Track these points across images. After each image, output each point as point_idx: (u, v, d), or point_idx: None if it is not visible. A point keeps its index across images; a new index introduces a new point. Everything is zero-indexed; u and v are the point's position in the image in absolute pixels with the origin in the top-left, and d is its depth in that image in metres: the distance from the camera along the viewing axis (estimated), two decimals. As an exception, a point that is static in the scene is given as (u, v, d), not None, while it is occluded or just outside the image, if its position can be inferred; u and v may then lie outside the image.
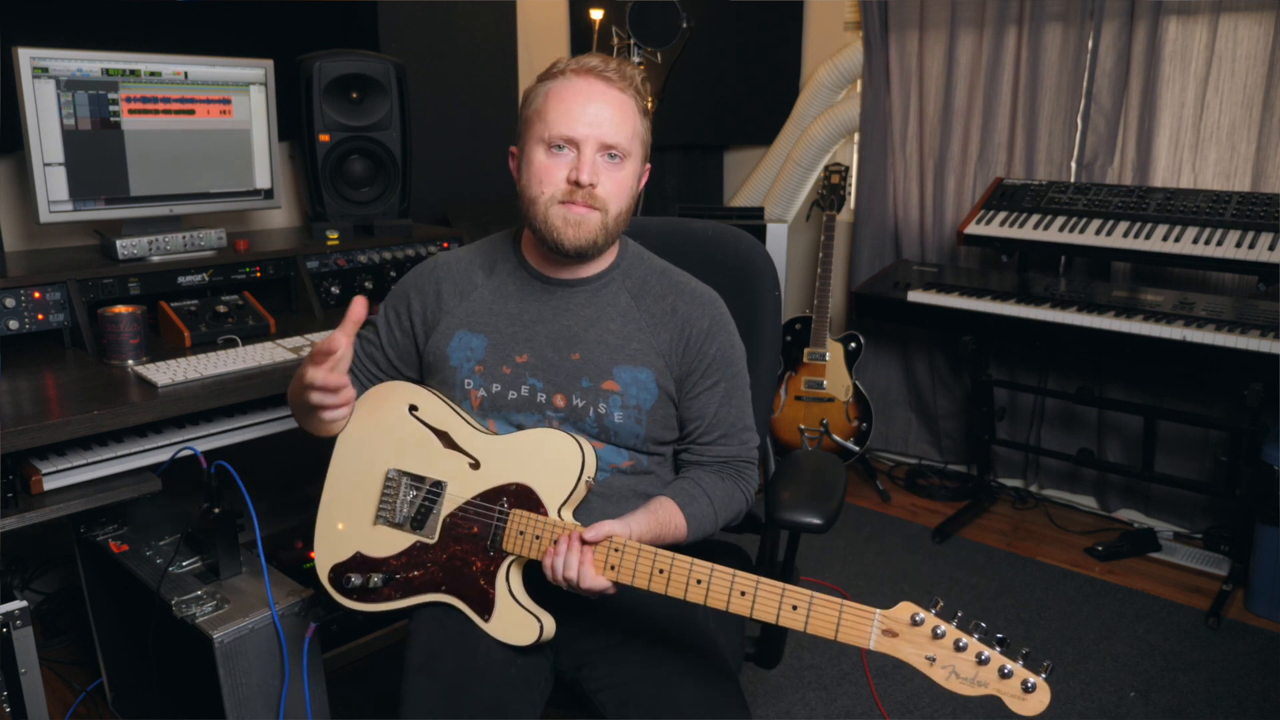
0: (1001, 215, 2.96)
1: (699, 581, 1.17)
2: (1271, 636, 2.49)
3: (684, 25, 2.90)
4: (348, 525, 1.41)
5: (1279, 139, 2.69)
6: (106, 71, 2.04)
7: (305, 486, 1.68)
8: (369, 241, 2.48)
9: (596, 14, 3.03)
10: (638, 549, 1.20)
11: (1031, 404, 3.25)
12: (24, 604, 1.58)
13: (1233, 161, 2.80)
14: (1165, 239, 2.65)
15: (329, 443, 1.46)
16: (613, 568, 1.20)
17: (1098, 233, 2.76)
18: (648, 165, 1.42)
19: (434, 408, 1.40)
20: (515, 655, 1.29)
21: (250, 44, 2.39)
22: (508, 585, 1.29)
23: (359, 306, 1.30)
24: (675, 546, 1.26)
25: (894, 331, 3.51)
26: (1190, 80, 2.81)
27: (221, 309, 2.09)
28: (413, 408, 1.41)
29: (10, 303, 1.89)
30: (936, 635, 1.05)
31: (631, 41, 2.92)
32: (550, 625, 1.29)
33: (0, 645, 1.56)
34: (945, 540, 3.01)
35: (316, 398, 1.33)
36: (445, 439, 1.38)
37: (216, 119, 2.23)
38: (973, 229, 2.98)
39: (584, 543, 1.21)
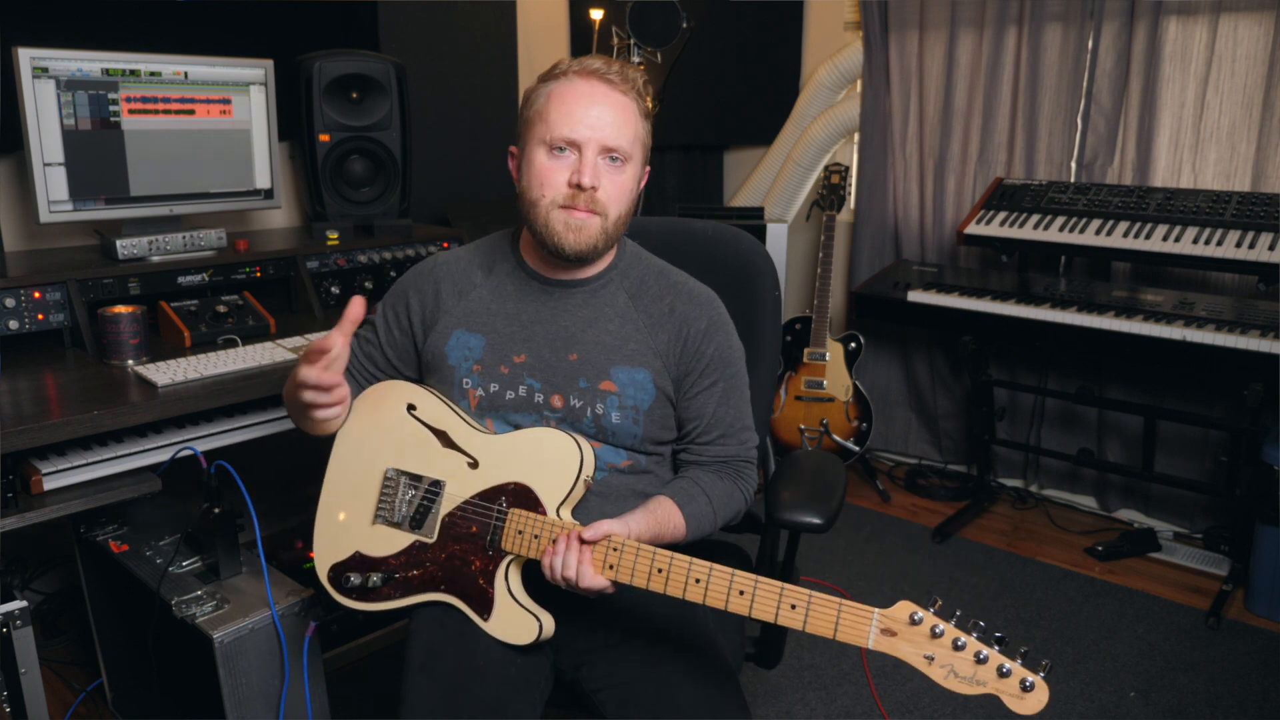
0: (1001, 215, 2.96)
1: (697, 581, 1.17)
2: (1271, 636, 2.49)
3: (684, 25, 2.90)
4: (347, 524, 1.41)
5: (1279, 139, 2.69)
6: (106, 71, 2.04)
7: (305, 486, 1.68)
8: (369, 241, 2.48)
9: (596, 14, 3.04)
10: (636, 548, 1.20)
11: (1031, 404, 3.25)
12: (24, 604, 1.58)
13: (1233, 161, 2.80)
14: (1165, 239, 2.65)
15: (329, 442, 1.46)
16: (611, 567, 1.20)
17: (1098, 233, 2.76)
18: (647, 167, 1.42)
19: (432, 407, 1.40)
20: (515, 654, 1.30)
21: (250, 44, 2.39)
22: (507, 584, 1.29)
23: (357, 306, 1.30)
24: (674, 546, 1.26)
25: (894, 331, 3.51)
26: (1190, 80, 2.81)
27: (221, 309, 2.09)
28: (411, 407, 1.41)
29: (10, 303, 1.89)
30: (935, 634, 1.05)
31: (631, 41, 2.92)
32: (549, 624, 1.29)
33: (0, 645, 1.56)
34: (945, 540, 3.01)
35: (309, 396, 1.32)
36: (443, 438, 1.38)
37: (216, 119, 2.23)
38: (973, 229, 2.98)
39: (582, 542, 1.21)
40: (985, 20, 3.11)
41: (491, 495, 1.32)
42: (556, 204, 1.32)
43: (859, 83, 3.50)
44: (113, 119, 2.07)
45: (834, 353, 3.29)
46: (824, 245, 3.27)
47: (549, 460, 1.30)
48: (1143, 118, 2.89)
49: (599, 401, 1.36)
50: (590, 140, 1.30)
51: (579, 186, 1.30)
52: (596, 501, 1.35)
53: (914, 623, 1.06)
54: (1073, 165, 3.08)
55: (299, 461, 2.00)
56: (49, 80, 1.96)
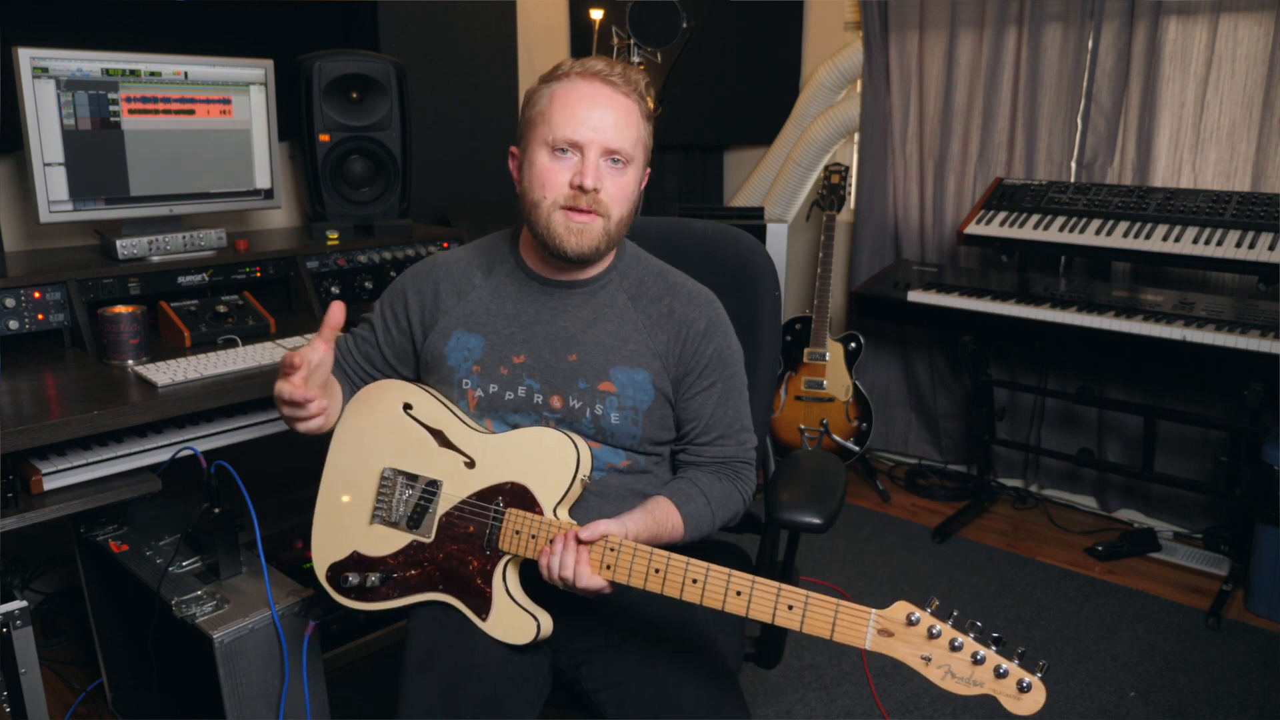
0: (1001, 215, 2.96)
1: (695, 581, 1.17)
2: (1271, 636, 2.49)
3: (684, 25, 2.90)
4: (344, 524, 1.41)
5: (1279, 139, 2.68)
6: (106, 71, 2.04)
7: (305, 486, 1.68)
8: (369, 241, 2.48)
9: (596, 14, 3.04)
10: (633, 548, 1.20)
11: (1031, 404, 3.25)
12: (24, 604, 1.58)
13: (1233, 161, 2.80)
14: (1165, 239, 2.65)
15: (327, 442, 1.46)
16: (609, 567, 1.20)
17: (1098, 233, 2.76)
18: (648, 169, 1.42)
19: (429, 406, 1.40)
20: (513, 654, 1.30)
21: (250, 44, 2.39)
22: (504, 584, 1.29)
23: (337, 312, 1.29)
24: (672, 546, 1.26)
25: (894, 331, 3.51)
26: (1190, 80, 2.80)
27: (221, 309, 2.09)
28: (407, 406, 1.41)
29: (10, 303, 1.89)
30: (932, 635, 1.05)
31: (631, 41, 2.92)
32: (547, 624, 1.29)
33: (0, 645, 1.56)
34: (945, 540, 3.01)
35: (287, 412, 1.31)
36: (440, 438, 1.38)
37: (216, 119, 2.23)
38: (973, 229, 2.98)
39: (580, 542, 1.21)
40: (985, 20, 3.11)
41: (488, 495, 1.32)
42: (558, 205, 1.32)
43: (859, 83, 3.50)
44: (113, 119, 2.07)
45: (834, 353, 3.29)
46: (824, 245, 3.27)
47: (546, 460, 1.30)
48: (1143, 118, 2.88)
49: (598, 402, 1.36)
50: (593, 142, 1.30)
51: (581, 188, 1.30)
52: (595, 501, 1.35)
53: (911, 623, 1.06)
54: (1073, 165, 3.08)
55: (299, 461, 1.99)
56: (49, 80, 1.97)
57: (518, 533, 1.28)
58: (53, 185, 2.02)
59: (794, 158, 3.60)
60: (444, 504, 1.35)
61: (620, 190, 1.34)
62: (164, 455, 1.72)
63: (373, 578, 1.37)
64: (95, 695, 2.14)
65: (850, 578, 2.78)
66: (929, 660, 1.06)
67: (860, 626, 1.09)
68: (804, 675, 2.28)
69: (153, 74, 2.11)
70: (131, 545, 1.83)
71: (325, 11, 2.69)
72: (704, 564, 1.17)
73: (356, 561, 1.39)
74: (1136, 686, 2.26)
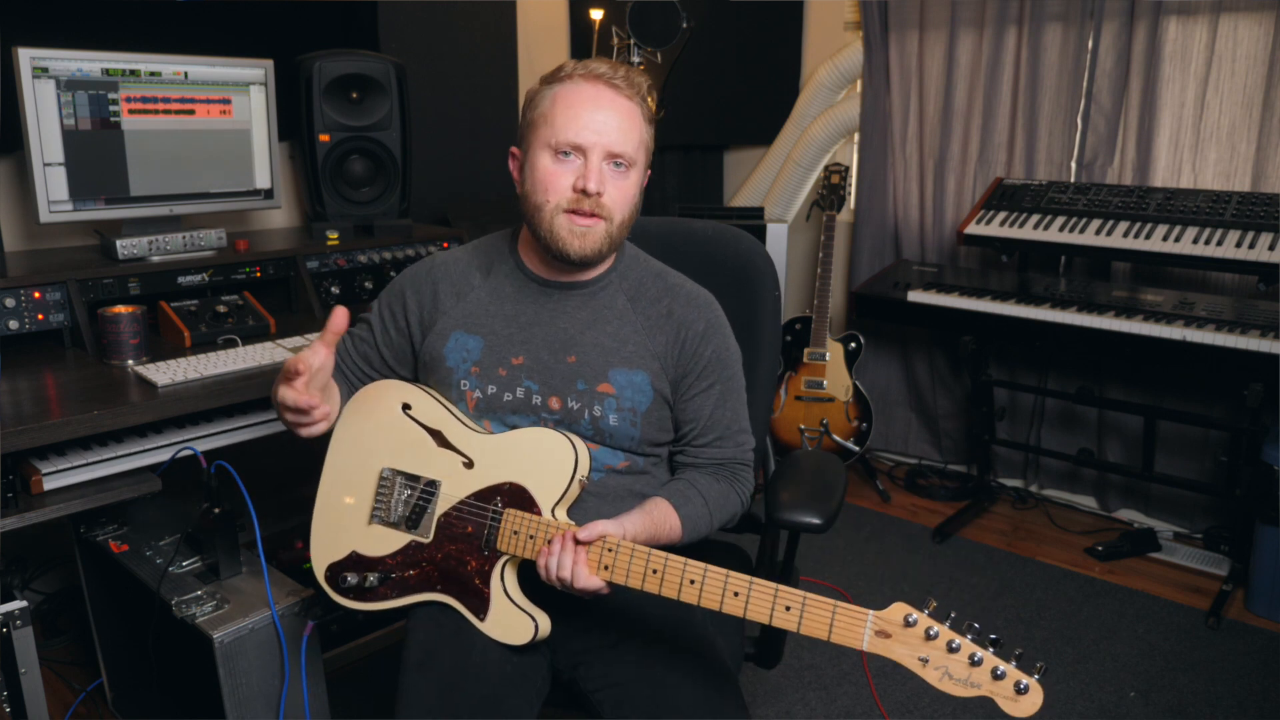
0: (1001, 215, 2.96)
1: (692, 582, 1.17)
2: (1271, 636, 2.49)
3: (684, 25, 2.90)
4: (343, 524, 1.41)
5: (1279, 139, 2.68)
6: (106, 71, 2.04)
7: (305, 486, 1.68)
8: (369, 241, 2.49)
9: (596, 14, 3.04)
10: (631, 549, 1.20)
11: (1031, 404, 3.24)
12: (24, 604, 1.58)
13: (1233, 161, 2.80)
14: (1165, 239, 2.64)
15: (327, 442, 1.46)
16: (606, 568, 1.20)
17: (1098, 233, 2.76)
18: (648, 170, 1.42)
19: (427, 406, 1.40)
20: (511, 654, 1.30)
21: (250, 44, 2.39)
22: (502, 585, 1.30)
23: (340, 318, 1.29)
24: (670, 548, 1.26)
25: (894, 331, 3.51)
26: (1190, 80, 2.80)
27: (221, 309, 2.09)
28: (406, 406, 1.41)
29: (10, 303, 1.89)
30: (929, 636, 1.05)
31: (631, 41, 2.92)
32: (545, 624, 1.29)
33: (0, 645, 1.56)
34: (945, 540, 3.01)
35: (290, 418, 1.31)
36: (439, 438, 1.38)
37: (216, 119, 2.24)
38: (973, 229, 2.98)
39: (578, 542, 1.21)
40: (985, 20, 3.11)
41: (487, 495, 1.32)
42: (562, 209, 1.32)
43: (859, 83, 3.50)
44: (113, 119, 2.07)
45: (834, 353, 3.29)
46: (824, 245, 3.27)
47: (544, 460, 1.30)
48: (1143, 118, 2.88)
49: (596, 404, 1.36)
50: (595, 145, 1.30)
51: (584, 192, 1.30)
52: (594, 502, 1.35)
53: (908, 625, 1.06)
54: (1073, 165, 3.08)
55: (299, 462, 2.00)
56: (49, 80, 1.97)
57: (516, 533, 1.28)
58: (53, 185, 2.02)
59: (794, 158, 3.60)
60: (442, 504, 1.35)
61: (622, 194, 1.34)
62: (164, 455, 1.72)
63: (371, 578, 1.37)
64: (95, 695, 2.14)
65: (850, 578, 2.78)
66: (926, 662, 1.06)
67: (857, 628, 1.09)
68: (804, 675, 2.28)
69: (153, 74, 2.11)
70: (131, 545, 1.83)
71: (325, 11, 2.69)
72: (701, 565, 1.17)
73: (355, 561, 1.39)
74: (1136, 686, 2.26)
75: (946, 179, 3.29)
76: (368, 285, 2.41)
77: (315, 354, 1.29)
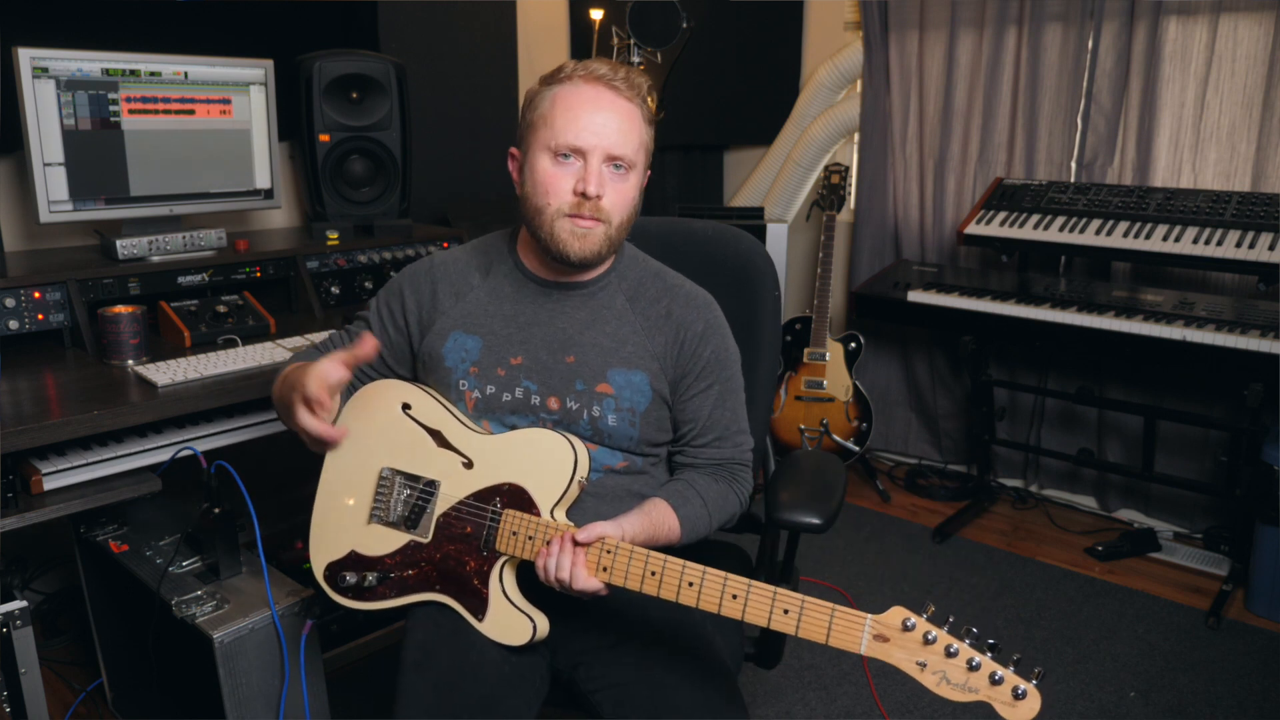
0: (1001, 215, 2.96)
1: (691, 584, 1.17)
2: (1271, 636, 2.49)
3: (684, 25, 2.90)
4: (342, 524, 1.42)
5: (1279, 139, 2.68)
6: (106, 71, 2.04)
7: (305, 486, 1.68)
8: (369, 241, 2.49)
9: (596, 14, 3.04)
10: (630, 550, 1.20)
11: (1031, 404, 3.24)
12: (24, 604, 1.58)
13: (1233, 161, 2.80)
14: (1165, 239, 2.64)
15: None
16: (605, 569, 1.20)
17: (1098, 233, 2.76)
18: (648, 171, 1.42)
19: (427, 406, 1.40)
20: (510, 654, 1.30)
21: (250, 44, 2.39)
22: (501, 585, 1.30)
23: (369, 347, 1.29)
24: (669, 549, 1.26)
25: (894, 331, 3.51)
26: (1190, 80, 2.80)
27: (221, 309, 2.09)
28: (405, 406, 1.41)
29: (10, 303, 1.89)
30: (928, 640, 1.05)
31: (631, 41, 2.92)
32: (543, 625, 1.29)
33: (0, 645, 1.56)
34: (945, 540, 3.01)
35: (315, 448, 1.34)
36: (438, 438, 1.38)
37: (216, 119, 2.24)
38: (973, 229, 2.98)
39: (576, 544, 1.21)
40: (985, 20, 3.11)
41: (486, 496, 1.32)
42: (563, 212, 1.31)
43: (859, 83, 3.50)
44: (113, 119, 2.07)
45: (834, 353, 3.29)
46: (824, 245, 3.27)
47: (543, 461, 1.30)
48: (1143, 118, 2.88)
49: (595, 404, 1.36)
50: (596, 148, 1.29)
51: (584, 195, 1.30)
52: (592, 503, 1.35)
53: (907, 629, 1.06)
54: (1073, 165, 3.08)
55: (299, 461, 1.99)
56: (49, 80, 1.97)
57: (515, 534, 1.28)
58: (53, 185, 2.02)
59: (794, 158, 3.60)
60: (442, 504, 1.35)
61: (622, 196, 1.34)
62: (164, 455, 1.73)
63: (370, 577, 1.37)
64: (95, 695, 2.14)
65: (850, 578, 2.78)
66: (924, 666, 1.06)
67: (855, 632, 1.08)
68: (804, 675, 2.28)
69: (153, 74, 2.11)
70: (131, 545, 1.83)
71: (325, 11, 2.69)
72: (700, 567, 1.17)
73: (354, 561, 1.39)
74: (1136, 686, 2.26)
75: (946, 179, 3.29)
76: (368, 285, 2.42)
77: (338, 377, 1.27)
